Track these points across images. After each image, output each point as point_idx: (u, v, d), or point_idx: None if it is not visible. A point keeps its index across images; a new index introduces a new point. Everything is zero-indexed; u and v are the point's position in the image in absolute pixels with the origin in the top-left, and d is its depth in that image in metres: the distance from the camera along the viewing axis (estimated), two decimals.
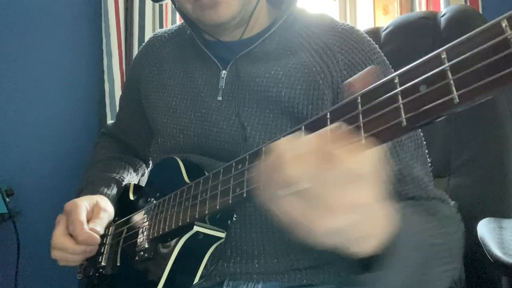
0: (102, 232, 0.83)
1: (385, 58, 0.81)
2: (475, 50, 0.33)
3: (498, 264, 0.67)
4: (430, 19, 1.19)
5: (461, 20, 1.12)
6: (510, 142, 0.98)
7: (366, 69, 0.46)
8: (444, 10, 1.20)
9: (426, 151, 0.78)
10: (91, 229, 0.80)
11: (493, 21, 0.33)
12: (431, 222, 0.62)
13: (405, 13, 1.73)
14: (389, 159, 0.72)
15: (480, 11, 1.58)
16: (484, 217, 0.86)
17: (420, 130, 0.78)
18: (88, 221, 0.82)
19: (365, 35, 0.83)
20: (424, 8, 1.76)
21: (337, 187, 0.38)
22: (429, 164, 0.78)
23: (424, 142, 0.78)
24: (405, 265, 0.52)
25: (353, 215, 0.40)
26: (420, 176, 0.73)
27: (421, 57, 0.38)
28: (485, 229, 0.79)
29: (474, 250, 0.79)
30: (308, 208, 0.40)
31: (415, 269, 0.55)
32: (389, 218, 0.47)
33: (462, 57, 0.34)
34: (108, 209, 0.87)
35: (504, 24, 0.32)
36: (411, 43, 1.19)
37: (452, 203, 0.98)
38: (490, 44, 0.32)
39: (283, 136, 0.50)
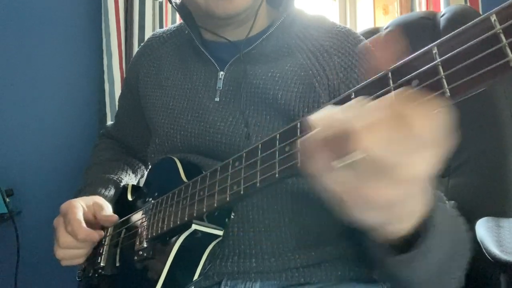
0: (116, 219, 0.86)
1: None
2: (466, 45, 0.34)
3: (496, 262, 0.67)
4: (430, 19, 1.19)
5: (461, 20, 1.12)
6: (509, 142, 0.98)
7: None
8: (444, 10, 1.20)
9: None
10: (108, 217, 0.84)
11: (483, 16, 0.33)
12: (451, 212, 0.62)
13: (405, 13, 1.73)
14: None
15: (480, 11, 1.58)
16: (483, 217, 0.86)
17: None
18: (85, 220, 0.82)
19: (362, 37, 0.83)
20: (424, 8, 1.76)
21: (407, 155, 0.35)
22: None
23: None
24: (438, 245, 0.50)
25: (416, 186, 0.37)
26: None
27: None
28: (483, 228, 0.80)
29: (472, 249, 0.79)
30: (359, 181, 0.36)
31: (444, 252, 0.54)
32: (430, 196, 0.44)
33: (453, 52, 0.34)
34: (107, 206, 0.88)
35: (493, 18, 0.33)
36: (411, 43, 1.18)
37: (452, 202, 0.98)
38: (480, 39, 0.33)
39: (274, 136, 0.50)
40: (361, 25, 2.07)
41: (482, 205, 0.97)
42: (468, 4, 1.60)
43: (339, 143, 0.36)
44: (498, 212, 0.92)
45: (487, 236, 0.75)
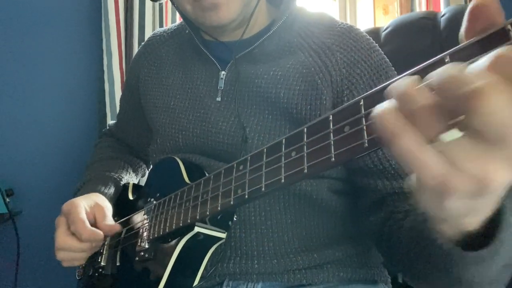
0: (118, 228, 0.83)
1: (385, 56, 0.81)
2: (480, 56, 0.32)
3: None
4: (430, 19, 1.19)
5: (461, 20, 1.12)
6: None
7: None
8: (444, 10, 1.20)
9: None
10: (110, 226, 0.81)
11: (499, 25, 0.32)
12: None
13: (405, 13, 1.73)
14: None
15: None
16: None
17: None
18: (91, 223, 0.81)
19: (364, 33, 0.82)
20: (424, 8, 1.76)
21: None
22: None
23: None
24: (509, 243, 0.44)
25: None
26: None
27: (421, 57, 0.38)
28: None
29: None
30: (467, 158, 0.30)
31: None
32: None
33: (467, 62, 0.33)
34: (107, 206, 0.87)
35: (508, 28, 0.32)
36: (411, 43, 1.19)
37: None
38: (496, 48, 0.31)
39: (280, 141, 0.49)
40: (361, 25, 2.07)
41: None
42: (468, 4, 1.60)
43: (448, 111, 0.30)
44: None
45: None
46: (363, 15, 2.06)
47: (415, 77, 0.33)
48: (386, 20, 1.96)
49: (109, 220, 0.83)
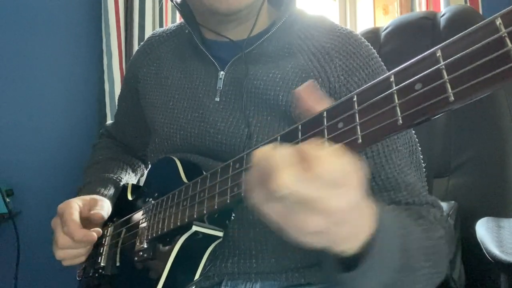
0: (106, 216, 0.84)
1: (382, 63, 0.81)
2: (470, 49, 0.33)
3: (497, 262, 0.67)
4: (430, 19, 1.19)
5: (461, 20, 1.12)
6: (510, 142, 0.98)
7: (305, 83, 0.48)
8: (444, 10, 1.20)
9: (421, 156, 0.78)
10: (95, 214, 0.82)
11: (488, 19, 0.33)
12: (418, 226, 0.63)
13: (405, 13, 1.73)
14: (384, 165, 0.73)
15: (480, 11, 1.58)
16: (483, 217, 0.86)
17: (415, 136, 0.78)
18: (83, 218, 0.82)
19: (363, 39, 0.82)
20: (424, 8, 1.76)
21: (318, 191, 0.39)
22: (423, 170, 0.78)
23: (419, 148, 0.78)
24: (386, 265, 0.53)
25: (334, 219, 0.41)
26: (414, 183, 0.73)
27: None
28: (483, 228, 0.80)
29: (473, 249, 0.79)
30: (290, 212, 0.41)
31: (396, 271, 0.55)
32: (372, 219, 0.48)
33: (457, 55, 0.34)
34: (105, 200, 0.87)
35: (498, 22, 0.32)
36: (411, 43, 1.19)
37: (452, 203, 0.98)
38: (484, 42, 0.32)
39: (275, 138, 0.51)
40: (361, 25, 2.07)
41: (482, 205, 0.97)
42: (468, 4, 1.60)
43: (267, 180, 0.40)
44: (498, 212, 0.92)
45: (488, 237, 0.75)
46: (363, 15, 2.05)
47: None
48: (386, 20, 1.95)
49: (98, 210, 0.84)
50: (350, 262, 0.50)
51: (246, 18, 0.81)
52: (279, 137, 0.51)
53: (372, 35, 1.27)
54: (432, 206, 0.72)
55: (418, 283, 0.61)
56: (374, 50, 0.82)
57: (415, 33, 1.21)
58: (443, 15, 1.17)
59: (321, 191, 0.39)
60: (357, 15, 2.07)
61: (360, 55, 0.78)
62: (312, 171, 0.38)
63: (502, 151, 0.98)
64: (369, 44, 0.82)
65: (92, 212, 0.82)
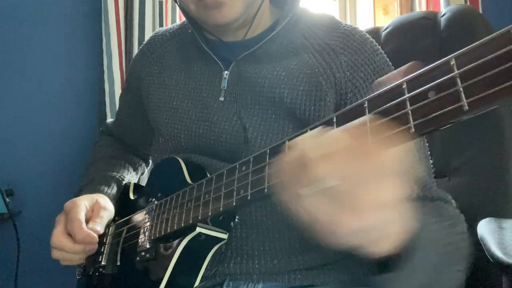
0: (102, 231, 0.83)
1: (387, 59, 0.81)
2: (485, 58, 0.33)
3: (498, 264, 0.67)
4: (430, 19, 1.19)
5: (461, 20, 1.12)
6: (510, 142, 0.98)
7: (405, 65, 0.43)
8: (444, 10, 1.20)
9: (429, 152, 0.78)
10: (91, 229, 0.80)
11: (502, 30, 0.32)
12: (442, 223, 0.62)
13: (405, 13, 1.73)
14: None
15: (480, 11, 1.58)
16: (484, 217, 0.86)
17: None
18: (87, 220, 0.81)
19: (368, 35, 0.82)
20: (424, 8, 1.76)
21: (367, 185, 0.37)
22: (431, 166, 0.78)
23: (427, 143, 0.78)
24: (422, 266, 0.52)
25: (379, 215, 0.39)
26: (425, 177, 0.73)
27: (421, 57, 0.38)
28: (485, 229, 0.79)
29: (474, 250, 0.78)
30: (334, 207, 0.38)
31: (431, 270, 0.55)
32: (407, 218, 0.45)
33: (472, 65, 0.34)
34: (108, 207, 0.87)
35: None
36: (411, 43, 1.19)
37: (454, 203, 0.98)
38: (499, 53, 0.32)
39: (298, 135, 0.49)
40: (361, 25, 2.07)
41: (483, 206, 0.97)
42: (468, 4, 1.60)
43: (302, 172, 0.38)
44: (500, 213, 0.92)
45: (489, 238, 0.75)
46: (363, 15, 2.05)
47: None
48: (386, 20, 1.95)
49: (99, 225, 0.82)
50: (383, 264, 0.49)
51: (242, 24, 0.81)
52: (287, 140, 0.50)
53: (372, 35, 1.25)
54: (444, 202, 0.72)
55: (451, 280, 0.60)
56: (379, 46, 0.82)
57: (415, 33, 1.20)
58: (443, 15, 1.16)
59: (364, 184, 0.37)
60: (357, 15, 2.06)
61: (365, 51, 0.78)
62: (369, 157, 0.36)
63: (503, 151, 0.98)
64: (373, 40, 0.82)
65: (89, 226, 0.81)
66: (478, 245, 0.76)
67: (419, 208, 0.57)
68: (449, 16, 1.15)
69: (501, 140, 0.99)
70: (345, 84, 0.76)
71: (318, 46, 0.80)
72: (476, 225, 0.83)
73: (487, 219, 0.85)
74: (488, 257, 0.71)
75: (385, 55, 0.82)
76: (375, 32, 1.27)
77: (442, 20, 1.15)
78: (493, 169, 0.99)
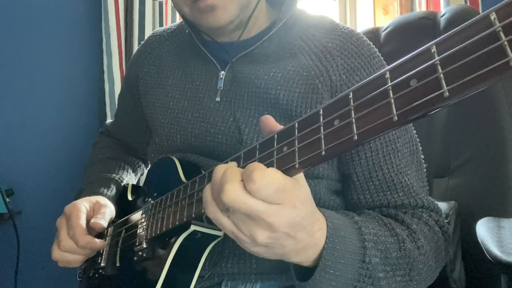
0: (105, 225, 0.82)
1: (384, 62, 0.81)
2: (465, 44, 0.33)
3: (497, 262, 0.67)
4: (430, 19, 1.19)
5: (461, 21, 1.11)
6: (510, 142, 0.98)
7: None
8: (444, 10, 1.20)
9: (422, 156, 0.78)
10: (94, 223, 0.80)
11: (482, 14, 0.32)
12: (389, 237, 0.65)
13: (405, 13, 1.73)
14: (382, 166, 0.73)
15: (480, 11, 1.58)
16: (483, 217, 0.86)
17: (416, 135, 0.78)
18: (88, 221, 0.81)
19: (365, 38, 0.82)
20: (424, 8, 1.76)
21: (262, 207, 0.46)
22: (424, 170, 0.78)
23: (420, 147, 0.78)
24: (342, 275, 0.56)
25: (279, 234, 0.48)
26: (411, 184, 0.73)
27: None
28: (484, 228, 0.79)
29: (473, 249, 0.78)
30: (240, 224, 0.49)
31: (354, 280, 0.58)
32: (322, 234, 0.54)
33: (452, 50, 0.34)
34: (109, 205, 0.87)
35: (493, 16, 0.32)
36: (411, 43, 1.18)
37: (452, 203, 0.97)
38: (479, 37, 0.32)
39: (272, 137, 0.52)
40: (361, 25, 2.07)
41: (482, 205, 0.97)
42: (468, 4, 1.60)
43: (219, 194, 0.47)
44: (498, 212, 0.91)
45: (488, 237, 0.75)
46: (363, 15, 2.05)
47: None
48: (386, 20, 1.95)
49: (101, 220, 0.82)
50: (308, 272, 0.56)
51: (237, 26, 0.81)
52: (275, 135, 0.51)
53: (372, 35, 1.27)
54: (429, 210, 0.72)
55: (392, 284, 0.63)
56: (376, 49, 0.82)
57: (415, 33, 1.20)
58: (443, 15, 1.16)
59: (265, 206, 0.46)
60: (357, 15, 2.06)
61: (362, 54, 0.78)
62: (255, 184, 0.44)
63: (502, 151, 0.98)
64: (370, 43, 0.82)
65: (92, 221, 0.81)
66: (477, 244, 0.76)
67: (355, 223, 0.62)
68: (449, 16, 1.14)
69: (500, 140, 0.99)
70: (341, 87, 0.76)
71: (315, 48, 0.79)
72: (475, 224, 0.83)
73: (486, 218, 0.84)
74: (487, 255, 0.71)
75: (382, 58, 0.81)
76: (375, 32, 1.27)
77: (442, 20, 1.15)
78: (493, 169, 0.99)
